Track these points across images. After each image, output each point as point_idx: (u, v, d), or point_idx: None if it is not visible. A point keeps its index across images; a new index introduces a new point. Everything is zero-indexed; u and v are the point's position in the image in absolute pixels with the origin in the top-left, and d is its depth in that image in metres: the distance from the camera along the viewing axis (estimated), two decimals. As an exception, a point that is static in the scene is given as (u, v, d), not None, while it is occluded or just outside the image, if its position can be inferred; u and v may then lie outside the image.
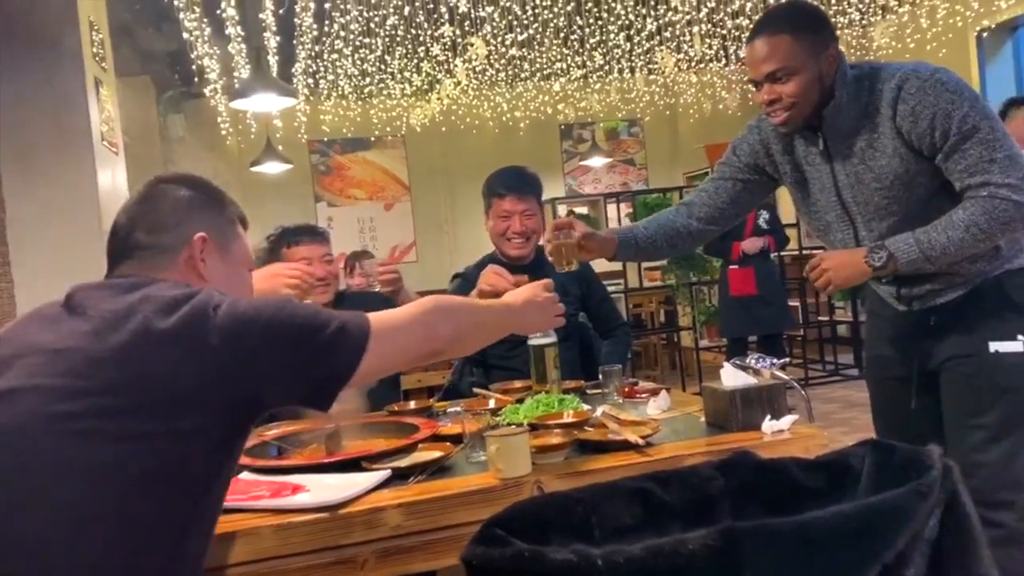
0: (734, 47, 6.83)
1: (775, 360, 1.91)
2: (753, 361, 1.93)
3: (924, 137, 1.80)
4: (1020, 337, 1.90)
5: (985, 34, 6.44)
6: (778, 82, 1.87)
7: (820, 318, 7.29)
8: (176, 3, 3.83)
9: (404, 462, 1.63)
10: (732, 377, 1.81)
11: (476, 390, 2.37)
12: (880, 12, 6.22)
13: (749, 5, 5.71)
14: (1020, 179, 1.75)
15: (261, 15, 4.21)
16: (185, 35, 4.26)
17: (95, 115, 3.56)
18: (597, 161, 8.94)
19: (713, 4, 5.81)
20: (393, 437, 1.85)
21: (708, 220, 2.18)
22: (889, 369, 2.13)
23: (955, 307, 1.95)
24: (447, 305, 1.39)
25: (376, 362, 1.23)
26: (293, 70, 6.00)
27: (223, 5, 3.93)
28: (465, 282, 2.69)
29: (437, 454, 1.66)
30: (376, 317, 1.27)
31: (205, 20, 4.37)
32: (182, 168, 7.77)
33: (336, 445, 1.82)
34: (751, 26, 6.30)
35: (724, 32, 6.53)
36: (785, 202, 6.66)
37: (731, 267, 5.82)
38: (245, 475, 1.69)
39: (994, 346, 1.90)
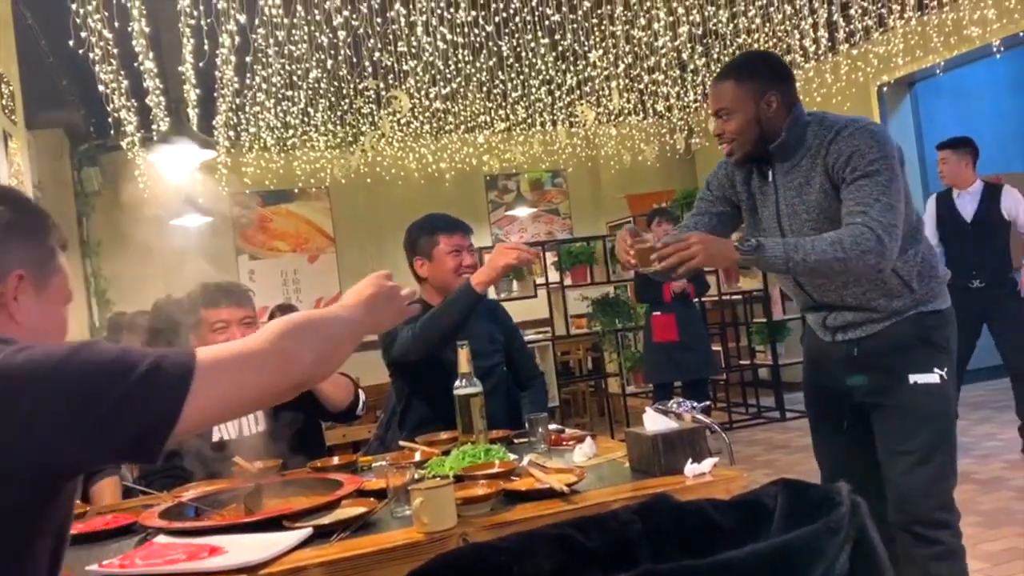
0: (651, 101, 7.05)
1: (696, 404, 1.95)
2: (675, 405, 1.96)
3: (840, 170, 2.02)
4: (936, 370, 2.09)
5: (885, 89, 6.82)
6: (722, 120, 2.14)
7: (742, 362, 7.45)
8: (91, 55, 3.76)
9: (326, 519, 1.60)
10: (654, 422, 1.83)
11: (402, 443, 2.35)
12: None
13: (664, 61, 5.92)
14: (891, 225, 1.93)
15: (180, 68, 4.17)
16: (101, 88, 4.18)
17: (3, 168, 3.45)
18: (522, 211, 9.05)
19: (630, 60, 6.00)
20: (316, 494, 1.81)
21: None
22: (823, 397, 2.31)
23: (875, 342, 2.12)
24: (300, 324, 1.17)
25: (209, 404, 1.02)
26: (214, 122, 5.94)
27: (140, 58, 3.88)
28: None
29: (360, 510, 1.63)
30: (207, 350, 1.07)
31: (122, 72, 4.30)
32: (98, 224, 7.56)
33: (256, 504, 1.77)
34: (667, 81, 6.46)
35: (641, 87, 6.74)
36: None
37: (654, 314, 5.91)
38: (161, 539, 1.63)
39: (913, 378, 2.08)
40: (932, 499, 2.07)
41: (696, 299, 6.20)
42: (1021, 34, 5.74)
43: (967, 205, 4.78)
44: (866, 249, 1.91)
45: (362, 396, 2.59)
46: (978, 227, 4.62)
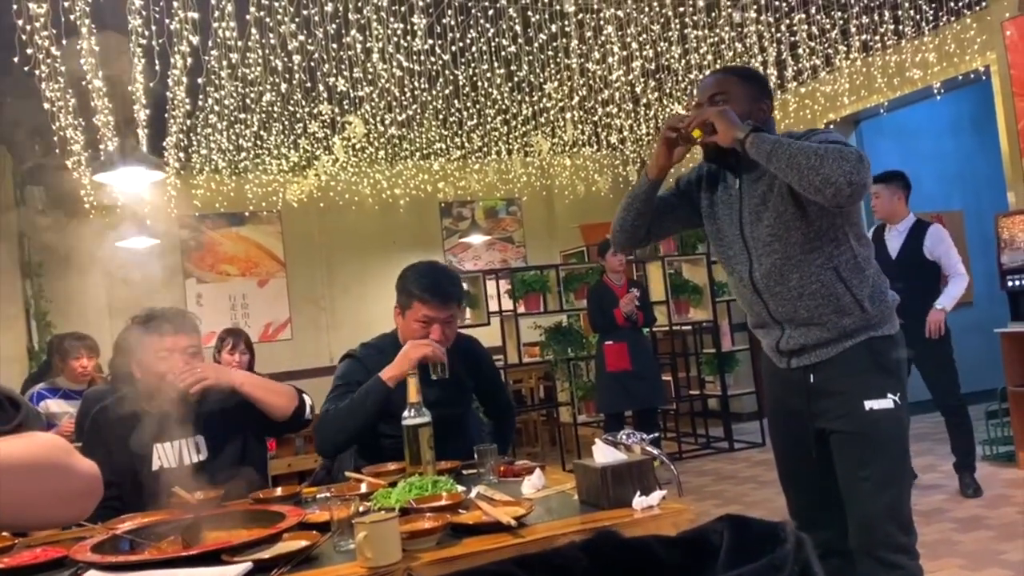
0: (605, 133, 7.13)
1: (645, 435, 1.95)
2: (624, 436, 1.96)
3: None
4: (890, 395, 2.12)
5: (832, 126, 7.00)
6: (715, 105, 2.18)
7: (691, 392, 7.51)
8: (37, 72, 3.68)
9: (267, 553, 1.56)
10: (603, 453, 1.82)
11: (348, 474, 2.30)
12: (738, 104, 6.65)
13: (617, 95, 6.00)
14: (866, 162, 1.94)
15: (130, 87, 4.10)
16: (47, 105, 4.09)
17: (-60, 186, 3.34)
18: (476, 238, 9.07)
19: (584, 92, 6.07)
20: (257, 527, 1.76)
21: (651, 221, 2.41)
22: (787, 426, 2.32)
23: (830, 368, 2.16)
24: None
25: None
26: (164, 143, 5.84)
27: (89, 76, 3.80)
28: (358, 365, 2.55)
29: (303, 543, 1.59)
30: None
31: (69, 91, 4.21)
32: (41, 244, 7.37)
33: (194, 537, 1.72)
34: (620, 114, 6.54)
35: (595, 119, 6.82)
36: (654, 280, 6.90)
37: (606, 343, 5.93)
38: (93, 574, 1.57)
39: (868, 404, 2.11)
40: (892, 523, 2.11)
41: (646, 328, 6.24)
42: (960, 77, 5.95)
43: (894, 241, 4.70)
44: (845, 157, 1.91)
45: (308, 400, 2.50)
46: (902, 264, 4.50)
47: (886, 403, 2.12)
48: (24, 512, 0.94)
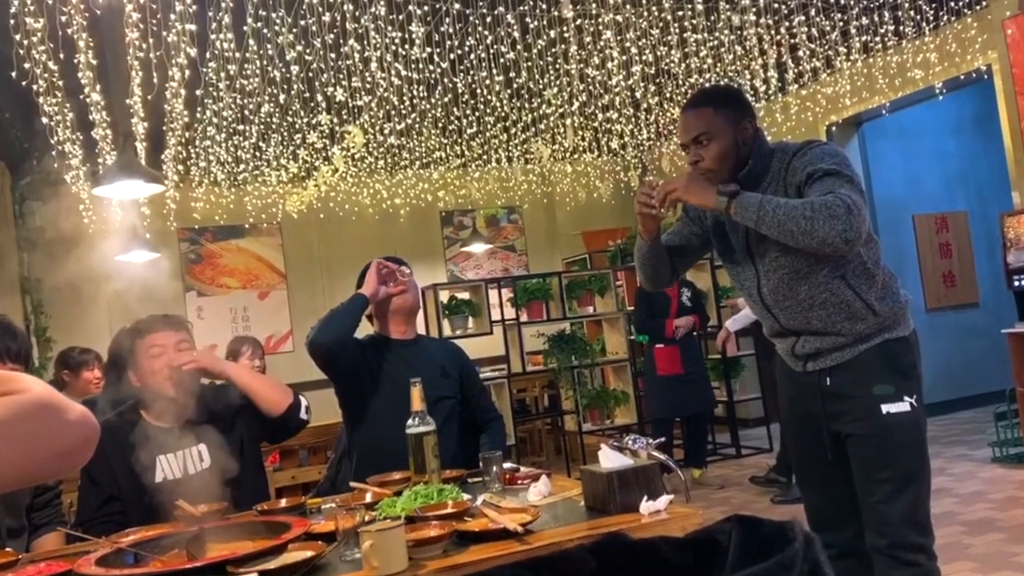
0: (605, 139, 7.13)
1: (651, 440, 1.93)
2: (630, 441, 1.95)
3: (801, 184, 2.08)
4: (907, 398, 2.12)
5: (834, 128, 6.99)
6: (701, 146, 2.16)
7: (697, 397, 7.45)
8: (35, 87, 3.67)
9: (272, 564, 1.54)
10: (610, 459, 1.81)
11: (353, 484, 2.28)
12: (738, 107, 6.64)
13: (617, 100, 5.99)
14: (859, 205, 1.96)
15: (128, 100, 4.10)
16: (45, 120, 4.09)
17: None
18: (478, 247, 9.05)
19: (584, 98, 6.06)
20: (262, 538, 1.74)
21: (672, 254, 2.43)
22: (804, 428, 2.30)
23: (846, 372, 2.15)
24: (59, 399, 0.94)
25: None
26: (163, 156, 5.84)
27: (87, 90, 3.80)
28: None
29: (308, 554, 1.57)
30: None
31: (67, 105, 4.21)
32: (39, 257, 7.36)
33: (199, 549, 1.70)
34: (620, 119, 6.52)
35: (595, 125, 6.81)
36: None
37: (657, 346, 5.88)
38: (95, 588, 1.55)
39: (886, 408, 2.10)
40: (910, 524, 2.10)
41: (698, 332, 6.15)
42: (962, 77, 5.94)
43: None
44: (834, 214, 1.92)
45: (304, 401, 2.51)
46: None
47: (903, 406, 2.10)
48: (15, 474, 0.88)
